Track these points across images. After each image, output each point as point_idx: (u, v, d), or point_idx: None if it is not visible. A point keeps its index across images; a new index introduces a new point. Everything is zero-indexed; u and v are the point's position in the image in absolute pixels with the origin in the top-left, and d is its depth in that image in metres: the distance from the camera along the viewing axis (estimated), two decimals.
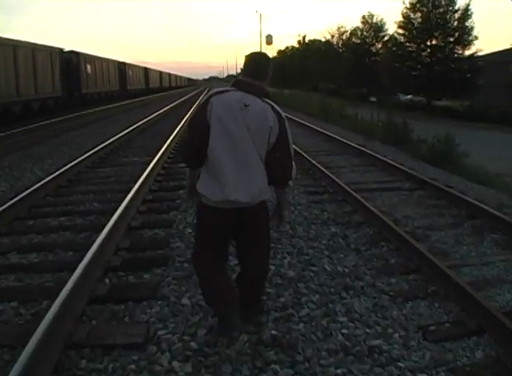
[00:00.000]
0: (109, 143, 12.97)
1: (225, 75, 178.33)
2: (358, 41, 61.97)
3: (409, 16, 45.96)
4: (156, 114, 23.12)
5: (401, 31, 47.24)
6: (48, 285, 4.43)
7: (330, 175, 8.69)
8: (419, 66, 46.18)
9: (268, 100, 3.23)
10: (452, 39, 44.09)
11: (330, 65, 63.94)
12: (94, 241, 4.79)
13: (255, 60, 3.37)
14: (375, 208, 6.60)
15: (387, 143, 15.16)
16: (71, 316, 3.62)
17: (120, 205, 6.14)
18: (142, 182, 7.57)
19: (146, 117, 20.81)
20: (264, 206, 3.40)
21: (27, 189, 7.56)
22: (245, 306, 3.65)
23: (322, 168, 9.33)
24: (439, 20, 43.73)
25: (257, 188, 3.18)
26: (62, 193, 7.93)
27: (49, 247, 5.34)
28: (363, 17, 61.89)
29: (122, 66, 41.81)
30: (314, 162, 10.03)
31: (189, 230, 5.72)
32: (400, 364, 3.25)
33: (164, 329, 3.56)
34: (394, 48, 48.56)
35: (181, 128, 16.16)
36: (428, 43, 45.40)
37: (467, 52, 43.72)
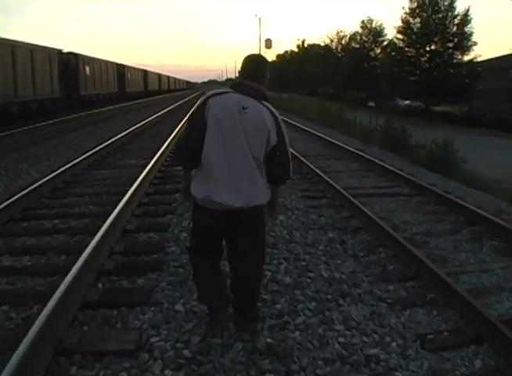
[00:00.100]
0: (107, 145, 12.90)
1: (224, 78, 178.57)
2: (358, 46, 62.11)
3: (409, 21, 46.06)
4: (154, 117, 23.06)
5: (400, 36, 47.35)
6: (40, 289, 4.36)
7: (328, 179, 8.63)
8: (418, 72, 46.25)
9: (265, 103, 3.23)
10: (451, 44, 44.18)
11: (329, 69, 64.05)
12: (88, 244, 4.71)
13: (253, 63, 3.37)
14: (373, 214, 6.54)
15: (386, 148, 15.11)
16: (62, 322, 3.55)
17: (115, 208, 6.07)
18: (138, 185, 7.50)
19: (144, 120, 20.75)
20: (260, 210, 3.36)
21: (22, 190, 7.48)
22: (240, 312, 3.60)
23: (320, 173, 9.26)
24: (438, 26, 43.82)
25: (251, 192, 3.16)
26: (57, 195, 7.85)
27: (42, 250, 5.27)
28: (362, 22, 62.10)
29: (121, 69, 41.72)
30: (312, 167, 9.96)
31: (185, 234, 5.65)
32: (397, 374, 3.20)
33: (157, 336, 3.49)
34: (393, 53, 48.67)
35: (179, 130, 16.10)
36: (427, 48, 45.49)
37: (466, 58, 43.89)
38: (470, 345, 3.66)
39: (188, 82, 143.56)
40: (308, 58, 77.70)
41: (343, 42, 68.12)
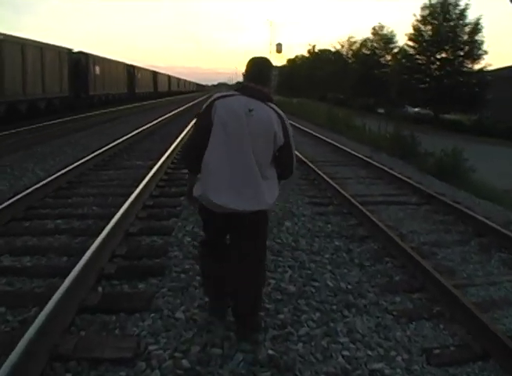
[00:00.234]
0: (114, 146, 12.85)
1: (235, 82, 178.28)
2: (368, 52, 61.96)
3: (420, 28, 45.91)
4: (163, 118, 23.03)
5: (411, 43, 47.19)
6: (38, 291, 4.27)
7: (336, 186, 8.53)
8: (428, 79, 46.06)
9: (271, 104, 3.25)
10: (461, 53, 43.94)
11: (339, 75, 63.95)
12: (89, 246, 4.64)
13: (257, 66, 3.38)
14: (380, 222, 6.44)
15: (394, 156, 15.02)
16: (59, 326, 3.47)
17: (119, 210, 6.00)
18: (144, 187, 7.42)
19: (152, 121, 20.73)
20: (263, 215, 3.36)
21: (26, 189, 7.42)
22: (241, 321, 3.52)
23: (328, 179, 9.17)
24: (449, 34, 43.61)
25: (254, 196, 3.14)
26: (61, 195, 7.78)
27: (43, 251, 5.19)
28: (374, 28, 61.94)
29: (131, 69, 41.75)
30: (319, 172, 9.87)
31: (189, 239, 5.57)
32: None
33: (155, 344, 3.40)
34: (403, 60, 48.46)
35: (187, 132, 16.04)
36: (438, 56, 45.31)
37: (476, 67, 43.61)
38: (476, 360, 3.57)
39: (198, 84, 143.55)
40: (318, 63, 77.62)
41: (354, 48, 68.03)
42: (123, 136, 14.68)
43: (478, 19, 43.03)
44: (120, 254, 5.08)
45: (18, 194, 7.00)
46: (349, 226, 6.68)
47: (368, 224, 6.57)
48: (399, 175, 10.19)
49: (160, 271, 4.66)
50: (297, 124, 23.45)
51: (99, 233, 5.10)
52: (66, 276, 3.93)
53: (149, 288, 4.33)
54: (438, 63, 45.37)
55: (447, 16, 43.69)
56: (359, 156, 13.04)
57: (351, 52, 68.56)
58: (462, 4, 43.46)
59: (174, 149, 12.02)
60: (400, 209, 7.82)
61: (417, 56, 46.71)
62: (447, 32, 43.66)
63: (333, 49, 73.98)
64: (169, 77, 68.50)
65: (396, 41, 59.38)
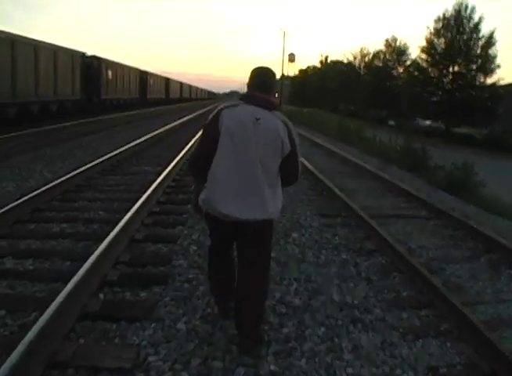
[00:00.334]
0: (123, 150, 12.82)
1: (246, 90, 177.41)
2: (380, 64, 62.01)
3: (433, 41, 45.89)
4: (173, 124, 23.03)
5: (424, 56, 47.18)
6: (39, 295, 4.23)
7: (344, 198, 8.44)
8: (440, 92, 45.98)
9: (276, 112, 3.28)
10: (474, 66, 43.82)
11: (351, 86, 63.98)
12: (93, 252, 4.59)
13: (261, 75, 3.42)
14: (389, 236, 6.34)
15: (404, 168, 14.89)
16: (59, 332, 3.41)
17: (125, 216, 5.95)
18: (151, 193, 7.38)
19: (163, 127, 20.74)
20: (268, 224, 3.38)
21: (33, 191, 7.39)
22: (244, 333, 3.45)
23: (337, 191, 9.08)
24: (463, 47, 43.56)
25: (259, 206, 3.17)
26: (68, 198, 7.75)
27: (47, 255, 5.14)
28: (387, 40, 62.10)
29: (143, 75, 41.94)
30: (328, 183, 9.78)
31: (194, 247, 5.51)
32: None
33: (155, 355, 3.33)
34: (415, 73, 48.41)
35: (196, 140, 15.99)
36: (450, 69, 45.22)
37: (489, 80, 43.45)
38: None
39: (210, 92, 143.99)
40: (330, 74, 77.72)
41: (366, 60, 68.12)
42: (132, 141, 14.67)
43: (492, 32, 43.01)
44: (123, 260, 5.02)
45: (24, 196, 6.96)
46: (357, 239, 6.59)
47: (376, 237, 6.48)
48: (409, 188, 10.08)
49: (164, 279, 4.59)
50: (307, 134, 23.41)
51: (104, 238, 5.05)
52: (68, 281, 3.88)
53: (151, 297, 4.26)
54: (450, 76, 45.30)
55: (460, 29, 43.65)
56: (369, 168, 12.94)
57: (363, 64, 68.66)
58: (476, 17, 43.46)
59: (183, 156, 11.98)
60: (409, 223, 7.72)
61: (430, 69, 46.68)
62: (460, 45, 43.61)
63: (345, 60, 74.14)
64: (181, 84, 68.72)
65: (409, 54, 59.62)
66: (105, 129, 20.33)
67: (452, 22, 44.25)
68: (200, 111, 41.83)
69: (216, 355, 3.35)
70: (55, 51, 21.79)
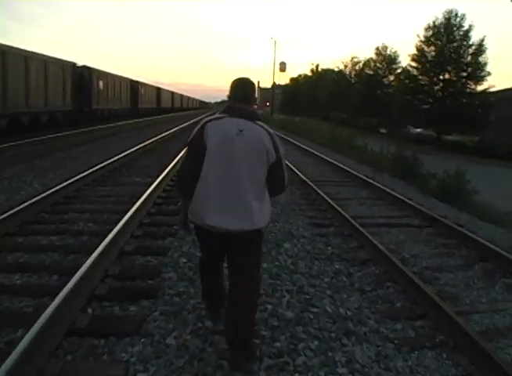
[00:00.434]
0: (114, 161, 12.75)
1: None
2: (371, 73, 62.26)
3: (423, 49, 46.15)
4: (164, 134, 22.95)
5: (414, 64, 47.43)
6: (27, 310, 4.13)
7: (337, 207, 8.38)
8: (430, 100, 46.15)
9: (259, 123, 3.30)
10: (465, 74, 44.05)
11: (342, 95, 64.20)
12: (81, 265, 4.50)
13: (242, 86, 3.44)
14: (382, 245, 6.30)
15: (396, 176, 14.89)
16: (45, 349, 3.33)
17: (114, 227, 5.87)
18: (141, 205, 7.30)
19: (154, 137, 20.66)
20: (256, 233, 3.32)
21: (22, 203, 7.29)
22: (235, 348, 3.38)
23: (329, 200, 9.02)
24: (453, 55, 43.81)
25: (247, 217, 3.16)
26: (57, 210, 7.65)
27: (35, 269, 5.05)
28: (377, 49, 62.39)
29: (135, 85, 41.81)
30: (320, 192, 9.73)
31: (184, 260, 5.42)
32: None
33: (144, 372, 3.24)
34: (406, 81, 48.61)
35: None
36: (441, 77, 45.47)
37: (480, 88, 43.65)
38: None
39: (201, 102, 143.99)
40: (321, 83, 78.00)
41: (357, 68, 68.41)
42: (123, 152, 14.58)
43: (482, 40, 43.26)
44: (112, 274, 4.93)
45: (13, 208, 6.86)
46: (350, 249, 6.54)
47: (369, 247, 6.43)
48: (401, 197, 10.05)
49: (153, 293, 4.50)
50: (298, 143, 23.38)
51: (93, 251, 4.97)
52: (55, 296, 3.80)
53: (140, 311, 4.17)
54: (441, 83, 45.56)
55: (450, 36, 43.92)
56: (361, 176, 12.90)
57: (354, 72, 68.94)
58: (466, 25, 43.75)
59: (173, 166, 11.89)
60: (402, 232, 7.67)
61: (420, 77, 46.90)
62: (450, 53, 43.86)
63: (336, 69, 74.44)
64: (172, 93, 68.61)
65: (399, 62, 59.98)
66: (96, 140, 20.23)
67: (442, 30, 44.54)
68: (192, 121, 41.79)
69: (207, 371, 3.27)
70: (46, 61, 21.66)
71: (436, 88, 45.90)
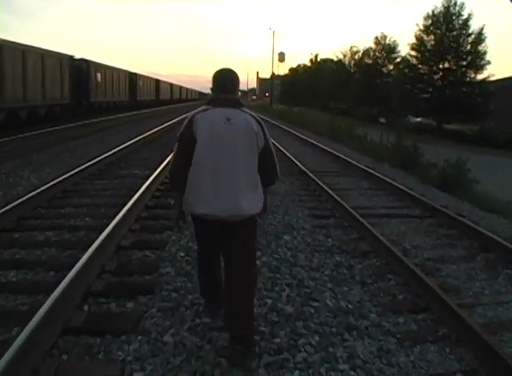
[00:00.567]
0: (112, 154, 12.67)
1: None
2: (370, 62, 61.97)
3: (422, 38, 45.80)
4: (163, 126, 22.83)
5: (413, 53, 47.08)
6: (22, 309, 4.05)
7: (337, 197, 8.30)
8: (430, 89, 45.94)
9: (245, 109, 3.37)
10: (464, 63, 43.77)
11: (341, 85, 63.96)
12: (78, 261, 4.42)
13: (223, 77, 3.48)
14: (383, 236, 6.21)
15: (397, 166, 14.78)
16: (40, 349, 3.26)
17: (111, 221, 5.79)
18: (139, 198, 7.22)
19: (153, 129, 20.55)
20: (250, 223, 3.38)
21: (18, 198, 7.20)
22: (236, 337, 3.36)
23: (329, 190, 8.94)
24: (452, 43, 43.51)
25: (240, 204, 3.19)
26: (54, 205, 7.57)
27: (30, 265, 4.97)
28: (376, 38, 62.02)
29: (133, 77, 41.60)
30: (320, 183, 9.65)
31: (182, 254, 5.34)
32: None
33: (141, 371, 3.16)
34: (406, 70, 48.35)
35: None
36: (440, 66, 45.18)
37: (479, 77, 43.39)
38: None
39: (200, 93, 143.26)
40: (320, 72, 77.72)
41: (356, 58, 68.10)
42: (121, 144, 14.50)
43: (481, 28, 42.92)
44: (109, 269, 4.85)
45: (10, 204, 6.79)
46: (350, 240, 6.45)
47: (370, 238, 6.35)
48: (402, 187, 9.96)
49: (150, 289, 4.43)
50: (298, 134, 23.28)
51: (90, 246, 4.89)
52: (51, 293, 3.73)
53: (137, 307, 4.09)
54: (440, 72, 45.24)
55: (450, 25, 43.58)
56: (361, 166, 12.82)
57: (353, 62, 68.63)
58: (465, 13, 43.45)
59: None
60: (403, 222, 7.59)
61: (420, 66, 46.58)
62: (450, 42, 43.57)
63: (335, 58, 74.12)
64: (171, 85, 68.35)
65: (398, 51, 59.60)
66: (94, 133, 20.09)
67: (441, 19, 44.16)
68: (193, 111, 41.57)
69: (205, 369, 3.20)
70: (43, 55, 21.49)
71: (436, 77, 45.62)
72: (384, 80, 58.62)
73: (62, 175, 9.21)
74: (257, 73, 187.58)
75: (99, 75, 30.35)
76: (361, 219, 6.92)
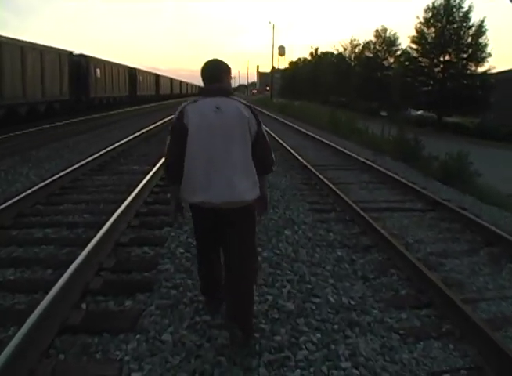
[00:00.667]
0: (111, 150, 12.63)
1: (237, 84, 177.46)
2: (371, 55, 61.82)
3: (423, 30, 45.66)
4: (163, 121, 22.75)
5: (414, 46, 46.95)
6: (19, 307, 4.00)
7: (338, 191, 8.23)
8: (431, 82, 45.83)
9: (234, 97, 3.40)
10: (465, 55, 43.64)
11: (342, 78, 63.81)
12: (76, 258, 4.36)
13: (209, 68, 3.51)
14: (385, 230, 6.15)
15: (398, 159, 14.71)
16: (37, 349, 3.20)
17: (110, 218, 5.73)
18: (138, 193, 7.16)
19: (152, 124, 20.48)
20: (248, 210, 3.38)
21: (17, 195, 7.15)
22: (236, 322, 3.38)
23: (330, 184, 8.87)
24: (453, 36, 43.38)
25: (232, 190, 3.20)
26: (53, 202, 7.51)
27: (28, 263, 4.90)
28: (376, 31, 61.85)
29: (132, 72, 41.49)
30: (321, 177, 9.59)
31: (181, 250, 5.27)
32: None
33: (139, 371, 3.10)
34: (406, 63, 48.26)
35: None
36: (441, 58, 45.05)
37: (480, 69, 43.26)
38: None
39: (200, 87, 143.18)
40: (320, 66, 77.52)
41: (356, 51, 67.91)
42: (121, 140, 14.44)
43: (482, 21, 42.78)
44: (107, 267, 4.78)
45: (8, 201, 6.73)
46: (352, 235, 6.39)
47: (372, 233, 6.29)
48: (403, 180, 9.90)
49: (149, 286, 4.36)
50: (298, 127, 23.20)
51: (88, 243, 4.83)
52: (48, 291, 3.68)
53: (136, 305, 4.03)
54: (441, 65, 45.13)
55: (450, 18, 43.43)
56: (362, 160, 12.75)
57: (353, 55, 68.44)
58: (465, 6, 43.29)
59: None
60: (405, 216, 7.52)
61: (420, 59, 46.48)
62: (450, 34, 43.45)
63: (335, 52, 73.91)
64: (171, 80, 68.21)
65: (399, 44, 59.45)
66: (94, 128, 20.05)
67: (441, 11, 44.00)
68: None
69: (204, 368, 3.13)
70: (42, 51, 21.41)
71: (436, 69, 45.50)
72: (385, 73, 58.51)
73: (61, 172, 9.16)
74: (258, 67, 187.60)
75: (98, 71, 30.26)
76: (362, 213, 6.85)
